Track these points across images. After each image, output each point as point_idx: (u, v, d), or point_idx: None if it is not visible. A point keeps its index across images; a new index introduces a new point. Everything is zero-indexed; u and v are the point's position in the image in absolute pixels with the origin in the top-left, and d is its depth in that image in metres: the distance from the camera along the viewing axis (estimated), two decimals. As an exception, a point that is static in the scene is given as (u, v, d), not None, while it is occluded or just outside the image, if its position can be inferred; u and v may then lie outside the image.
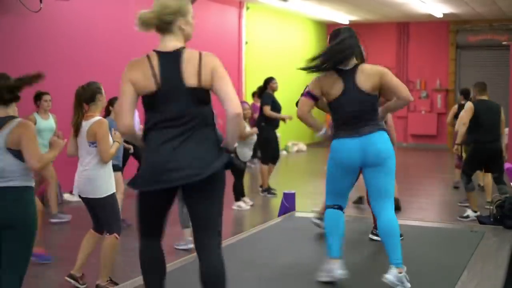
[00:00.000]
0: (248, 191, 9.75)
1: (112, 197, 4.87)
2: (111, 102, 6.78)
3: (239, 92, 14.07)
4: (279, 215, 6.01)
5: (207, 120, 2.92)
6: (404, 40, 18.37)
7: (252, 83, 13.71)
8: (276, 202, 9.10)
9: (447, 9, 15.33)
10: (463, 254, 4.39)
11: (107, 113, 7.09)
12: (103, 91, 4.87)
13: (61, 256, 5.78)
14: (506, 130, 14.02)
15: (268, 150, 9.48)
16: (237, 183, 8.47)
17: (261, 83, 10.09)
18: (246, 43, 14.28)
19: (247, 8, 14.25)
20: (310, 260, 4.29)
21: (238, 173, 8.39)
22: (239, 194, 8.56)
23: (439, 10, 15.48)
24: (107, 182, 4.82)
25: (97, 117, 4.79)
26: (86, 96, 4.80)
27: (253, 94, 12.49)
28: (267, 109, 9.42)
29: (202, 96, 2.90)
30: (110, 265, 4.95)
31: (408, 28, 18.28)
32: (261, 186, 9.89)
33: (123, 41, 10.07)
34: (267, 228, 5.28)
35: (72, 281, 5.14)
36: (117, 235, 4.89)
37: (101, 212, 4.90)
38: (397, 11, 15.91)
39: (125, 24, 10.21)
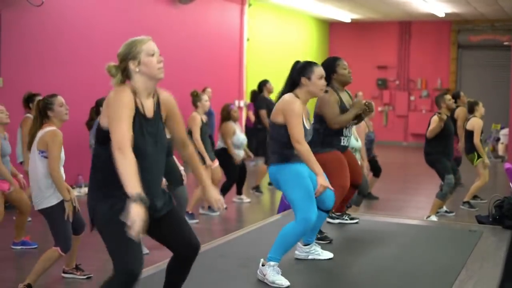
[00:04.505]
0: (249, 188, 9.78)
1: (58, 207, 4.78)
2: (100, 103, 6.64)
3: (239, 89, 14.08)
4: (278, 212, 6.03)
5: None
6: (406, 39, 18.38)
7: (253, 80, 13.71)
8: (276, 199, 9.13)
9: (449, 8, 15.33)
10: (461, 254, 4.40)
11: (97, 114, 7.04)
12: (54, 106, 4.81)
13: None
14: (506, 130, 14.08)
15: (264, 151, 9.57)
16: (227, 183, 8.43)
17: (262, 80, 10.15)
18: (248, 40, 14.28)
19: (249, 5, 14.25)
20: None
21: (229, 173, 8.38)
22: (223, 193, 8.45)
23: (441, 10, 15.49)
24: (54, 192, 4.77)
25: (52, 127, 4.78)
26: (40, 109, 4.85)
27: (250, 94, 12.52)
28: (264, 114, 9.60)
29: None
30: (37, 274, 4.84)
31: (410, 27, 18.28)
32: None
33: (125, 36, 10.03)
34: (267, 224, 5.29)
35: (68, 275, 5.27)
36: (60, 251, 4.81)
37: (48, 223, 4.87)
38: (399, 10, 15.92)
39: (127, 19, 10.23)
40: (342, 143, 4.88)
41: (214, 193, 3.18)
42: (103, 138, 2.90)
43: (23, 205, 6.08)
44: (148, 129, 2.96)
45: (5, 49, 8.38)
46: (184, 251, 3.12)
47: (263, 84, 9.95)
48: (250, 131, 10.58)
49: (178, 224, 3.12)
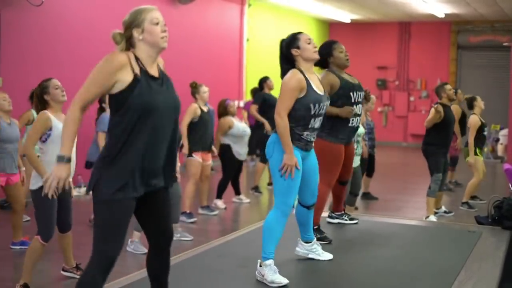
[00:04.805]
0: (245, 188, 9.79)
1: (41, 191, 4.76)
2: (103, 99, 6.63)
3: (239, 89, 14.09)
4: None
5: None
6: (406, 39, 18.38)
7: (252, 80, 13.72)
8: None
9: (449, 9, 15.34)
10: (461, 254, 4.40)
11: (101, 110, 7.04)
12: (49, 89, 4.83)
13: (58, 249, 5.78)
14: (505, 131, 14.07)
15: (263, 149, 9.54)
16: (223, 180, 8.43)
17: (263, 77, 10.13)
18: (248, 40, 14.29)
19: (249, 5, 14.26)
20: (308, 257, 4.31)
21: (228, 171, 8.38)
22: (220, 192, 8.47)
23: (441, 10, 15.49)
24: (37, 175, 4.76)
25: (43, 111, 4.82)
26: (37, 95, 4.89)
27: (251, 92, 12.52)
28: (253, 108, 9.66)
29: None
30: (28, 269, 4.82)
31: (409, 27, 18.29)
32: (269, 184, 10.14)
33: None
34: (266, 225, 5.29)
35: (67, 273, 5.29)
36: (40, 239, 4.77)
37: (34, 208, 4.83)
38: (399, 10, 15.92)
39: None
40: (351, 124, 4.78)
41: None
42: (115, 104, 2.91)
43: (18, 203, 6.08)
44: (157, 88, 2.95)
45: (4, 48, 8.38)
46: (157, 238, 3.11)
47: (263, 80, 9.95)
48: (251, 129, 10.58)
49: (160, 209, 3.08)
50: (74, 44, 9.40)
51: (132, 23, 2.97)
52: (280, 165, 3.82)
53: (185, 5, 11.82)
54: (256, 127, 9.91)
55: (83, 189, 8.78)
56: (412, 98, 18.30)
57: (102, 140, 6.77)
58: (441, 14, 16.00)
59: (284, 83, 3.88)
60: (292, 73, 3.90)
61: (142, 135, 2.89)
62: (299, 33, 4.03)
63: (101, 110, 7.06)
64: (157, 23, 2.97)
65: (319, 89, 3.97)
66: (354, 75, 5.03)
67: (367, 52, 18.35)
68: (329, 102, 4.07)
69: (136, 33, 2.96)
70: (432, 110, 7.31)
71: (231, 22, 13.79)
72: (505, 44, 15.52)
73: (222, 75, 13.27)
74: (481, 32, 17.43)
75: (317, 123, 3.95)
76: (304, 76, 3.90)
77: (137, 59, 2.94)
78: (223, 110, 8.26)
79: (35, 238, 4.82)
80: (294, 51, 3.96)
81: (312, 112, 3.88)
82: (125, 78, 2.87)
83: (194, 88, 7.58)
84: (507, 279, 4.14)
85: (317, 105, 3.89)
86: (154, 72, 3.00)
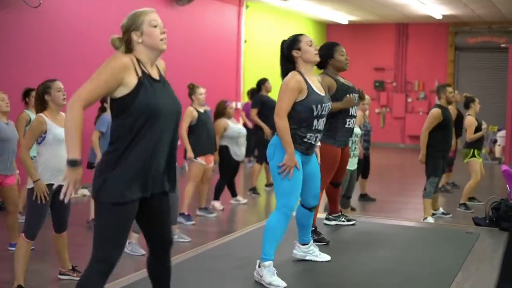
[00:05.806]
0: (242, 190, 9.79)
1: (32, 191, 4.77)
2: (104, 98, 6.64)
3: (237, 90, 14.08)
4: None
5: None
6: (403, 41, 18.40)
7: (250, 81, 13.73)
8: (273, 201, 9.13)
9: (447, 10, 15.35)
10: (458, 255, 4.40)
11: (102, 110, 7.04)
12: (52, 90, 4.83)
13: (55, 251, 5.78)
14: (503, 132, 14.09)
15: (260, 150, 9.55)
16: (220, 182, 8.44)
17: (261, 79, 10.14)
18: (245, 41, 14.29)
19: (247, 7, 14.26)
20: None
21: (225, 172, 8.38)
22: (217, 193, 8.49)
23: (438, 12, 15.51)
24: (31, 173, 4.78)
25: (39, 114, 4.83)
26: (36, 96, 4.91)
27: (248, 93, 12.51)
28: (253, 113, 9.62)
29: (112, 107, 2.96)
30: (19, 270, 4.81)
31: (407, 29, 18.31)
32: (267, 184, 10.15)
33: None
34: (264, 226, 5.28)
35: (65, 276, 5.26)
36: (24, 237, 4.77)
37: None
38: (396, 11, 15.93)
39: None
40: (347, 125, 4.80)
41: None
42: (118, 108, 2.88)
43: (12, 204, 6.07)
44: (160, 91, 2.94)
45: (2, 49, 8.38)
46: (156, 244, 3.10)
47: (261, 82, 9.95)
48: (248, 131, 10.60)
49: (160, 214, 3.06)
50: (72, 45, 9.40)
51: (131, 26, 2.95)
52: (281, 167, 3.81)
53: (182, 7, 11.82)
54: (254, 129, 9.92)
55: (80, 190, 8.77)
56: (409, 100, 18.31)
57: (96, 139, 6.76)
58: (438, 16, 16.01)
59: (283, 84, 3.89)
60: (292, 75, 3.92)
61: (145, 138, 2.87)
62: (300, 34, 4.04)
63: (102, 110, 7.03)
64: (156, 26, 2.95)
65: (320, 90, 3.98)
66: (352, 77, 5.05)
67: (364, 54, 18.35)
68: (330, 103, 4.09)
69: (135, 36, 2.94)
70: (432, 112, 7.36)
71: (228, 24, 13.79)
72: (502, 45, 15.52)
73: (219, 76, 13.27)
74: (479, 34, 17.44)
75: (320, 124, 3.95)
76: (304, 78, 3.91)
77: (138, 61, 2.93)
78: (222, 111, 8.27)
79: (20, 237, 4.83)
80: (294, 53, 3.96)
81: (315, 114, 3.88)
82: (130, 81, 2.85)
83: (191, 90, 7.59)
84: (504, 280, 4.14)
85: (319, 106, 3.90)
86: (154, 74, 2.98)
